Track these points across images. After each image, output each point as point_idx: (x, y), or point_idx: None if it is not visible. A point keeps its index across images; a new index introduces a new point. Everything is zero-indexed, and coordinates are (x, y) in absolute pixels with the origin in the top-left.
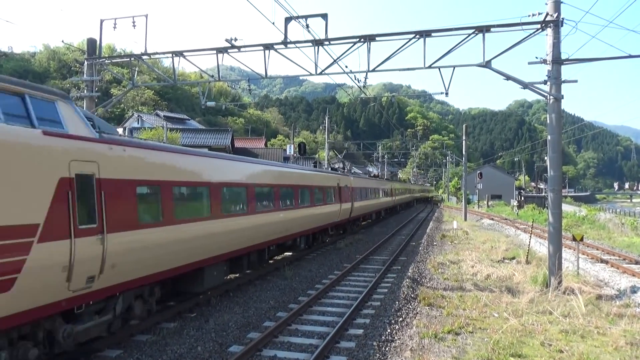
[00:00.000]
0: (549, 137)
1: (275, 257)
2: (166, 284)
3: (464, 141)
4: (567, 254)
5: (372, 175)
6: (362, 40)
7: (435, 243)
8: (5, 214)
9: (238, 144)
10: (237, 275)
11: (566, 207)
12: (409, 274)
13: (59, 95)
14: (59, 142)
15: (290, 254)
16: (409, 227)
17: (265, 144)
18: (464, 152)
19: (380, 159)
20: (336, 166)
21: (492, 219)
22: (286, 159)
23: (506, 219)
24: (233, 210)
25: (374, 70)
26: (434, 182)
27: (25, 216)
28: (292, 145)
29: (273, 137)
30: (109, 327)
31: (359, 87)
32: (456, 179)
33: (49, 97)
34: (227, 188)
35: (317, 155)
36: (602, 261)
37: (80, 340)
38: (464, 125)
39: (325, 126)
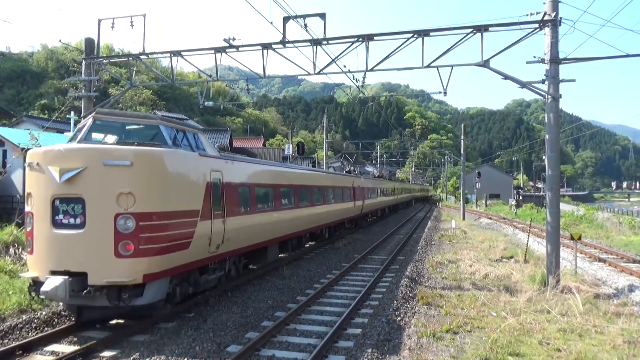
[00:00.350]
0: (547, 137)
1: (307, 244)
2: (246, 256)
3: (462, 140)
4: (565, 253)
5: (376, 176)
6: (360, 39)
7: (433, 242)
8: (186, 203)
9: (236, 143)
10: (285, 255)
11: (564, 207)
12: (407, 273)
13: (199, 129)
14: (206, 160)
15: (288, 253)
16: (408, 226)
17: (264, 144)
18: (462, 152)
19: (378, 159)
20: (335, 165)
21: (491, 218)
22: (284, 158)
23: (504, 218)
24: (286, 205)
25: (372, 69)
26: (433, 182)
27: (194, 204)
28: (291, 145)
29: (271, 136)
30: (218, 281)
31: (357, 87)
32: (454, 178)
33: (194, 131)
34: (282, 188)
35: (315, 155)
36: (600, 260)
37: (207, 287)
38: (462, 125)
39: (323, 125)
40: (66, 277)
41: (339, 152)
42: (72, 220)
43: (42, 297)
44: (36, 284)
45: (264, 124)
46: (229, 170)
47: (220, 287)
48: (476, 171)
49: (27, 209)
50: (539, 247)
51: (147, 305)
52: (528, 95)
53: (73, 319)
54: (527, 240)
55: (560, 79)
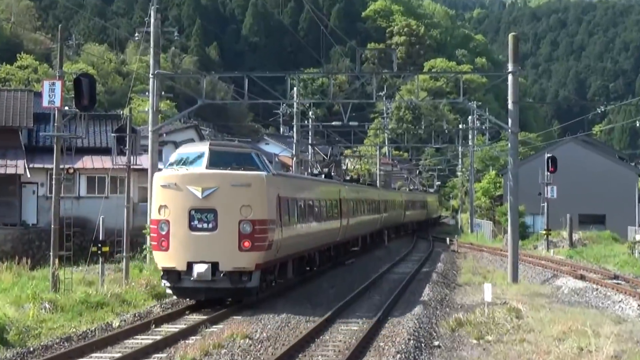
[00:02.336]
0: None
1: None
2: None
3: (510, 76)
4: None
5: (290, 167)
6: None
7: (437, 343)
8: (273, 212)
9: None
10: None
11: None
12: None
13: (271, 156)
14: (275, 178)
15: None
16: (374, 299)
17: None
18: (510, 104)
19: (296, 122)
20: (181, 138)
21: (585, 278)
22: (40, 117)
23: (617, 279)
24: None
25: None
26: (438, 184)
27: (274, 214)
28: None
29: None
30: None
31: None
32: (492, 173)
33: (260, 152)
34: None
35: (122, 114)
36: None
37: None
38: (510, 36)
39: (143, 34)
40: (208, 264)
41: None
42: (205, 225)
43: (188, 281)
44: (169, 273)
45: None
46: (284, 186)
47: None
48: (546, 154)
49: (159, 217)
50: None
51: (253, 287)
52: None
53: (192, 302)
54: None
55: None
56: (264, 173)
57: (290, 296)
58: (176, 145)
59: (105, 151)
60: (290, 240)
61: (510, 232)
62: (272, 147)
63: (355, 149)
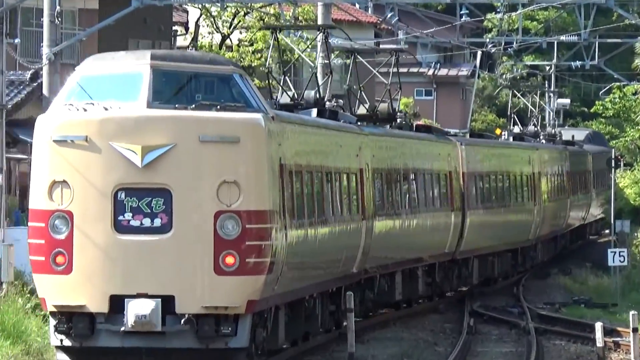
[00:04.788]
0: None
1: None
2: None
3: None
4: None
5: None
6: None
7: None
8: (273, 200)
9: None
10: None
11: None
12: None
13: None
14: (281, 125)
15: None
16: None
17: None
18: None
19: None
20: None
21: None
22: None
23: None
24: None
25: None
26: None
27: (275, 202)
28: None
29: None
30: None
31: None
32: None
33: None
34: None
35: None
36: None
37: None
38: None
39: None
40: (155, 300)
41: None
42: (149, 222)
43: (112, 334)
44: (70, 319)
45: None
46: (298, 142)
47: None
48: None
49: (51, 205)
50: None
51: (240, 349)
52: None
53: None
54: None
55: None
56: (259, 115)
57: None
58: None
59: None
60: (307, 255)
61: None
62: None
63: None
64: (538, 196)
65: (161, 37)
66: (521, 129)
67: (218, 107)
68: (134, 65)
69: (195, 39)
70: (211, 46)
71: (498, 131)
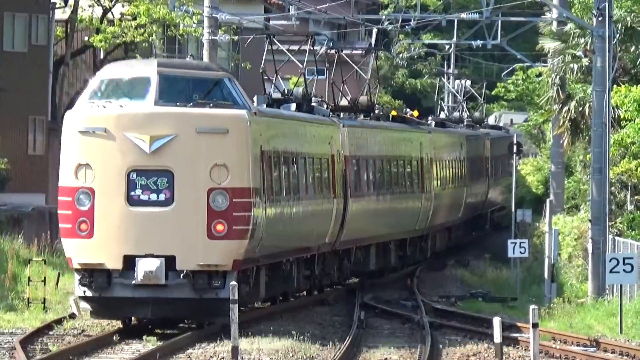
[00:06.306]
0: None
1: None
2: None
3: None
4: None
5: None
6: None
7: None
8: (254, 179)
9: None
10: None
11: None
12: None
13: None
14: (261, 119)
15: None
16: None
17: None
18: None
19: None
20: None
21: None
22: None
23: None
24: None
25: None
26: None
27: (256, 181)
28: None
29: None
30: None
31: None
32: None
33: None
34: None
35: None
36: None
37: None
38: None
39: None
40: (160, 259)
41: None
42: (155, 197)
43: (125, 287)
44: (92, 274)
45: None
46: (275, 133)
47: None
48: None
49: (76, 183)
50: None
51: (227, 300)
52: None
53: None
54: None
55: None
56: (244, 112)
57: None
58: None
59: None
60: (280, 224)
61: None
62: None
63: None
64: (428, 183)
65: (38, 10)
66: (447, 114)
67: (211, 105)
68: (144, 71)
69: (75, 11)
70: (91, 20)
71: (416, 113)
